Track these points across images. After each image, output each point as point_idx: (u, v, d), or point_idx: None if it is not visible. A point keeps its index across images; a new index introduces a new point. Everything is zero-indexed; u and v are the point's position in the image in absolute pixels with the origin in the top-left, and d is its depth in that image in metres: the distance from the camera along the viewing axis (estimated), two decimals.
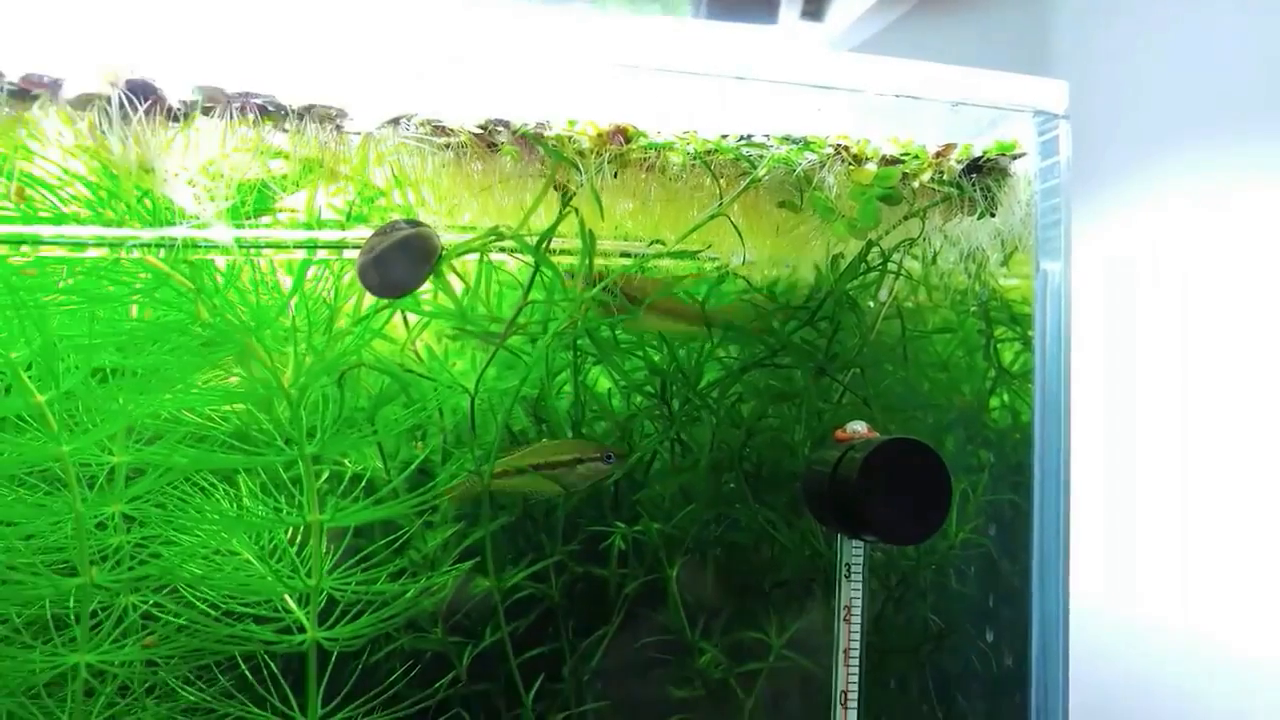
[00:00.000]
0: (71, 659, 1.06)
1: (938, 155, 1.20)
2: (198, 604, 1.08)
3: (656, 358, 1.21)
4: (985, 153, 1.21)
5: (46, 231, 1.04)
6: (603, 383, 1.29)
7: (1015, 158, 1.21)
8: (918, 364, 1.32)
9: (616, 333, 1.22)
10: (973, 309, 1.33)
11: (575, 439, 1.21)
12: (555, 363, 1.23)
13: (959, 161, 1.20)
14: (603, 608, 1.21)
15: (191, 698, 1.08)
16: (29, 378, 1.04)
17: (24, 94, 0.99)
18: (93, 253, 1.06)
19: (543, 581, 1.20)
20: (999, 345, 1.35)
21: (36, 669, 1.05)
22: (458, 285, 1.11)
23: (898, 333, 1.28)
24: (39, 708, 1.06)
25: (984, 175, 1.20)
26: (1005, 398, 1.36)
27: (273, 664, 1.10)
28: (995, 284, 1.32)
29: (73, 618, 1.07)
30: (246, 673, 1.10)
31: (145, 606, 1.10)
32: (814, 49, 1.89)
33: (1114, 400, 1.54)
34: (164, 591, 1.09)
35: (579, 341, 1.21)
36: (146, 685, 1.11)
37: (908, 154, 1.18)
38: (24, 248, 1.03)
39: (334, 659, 1.11)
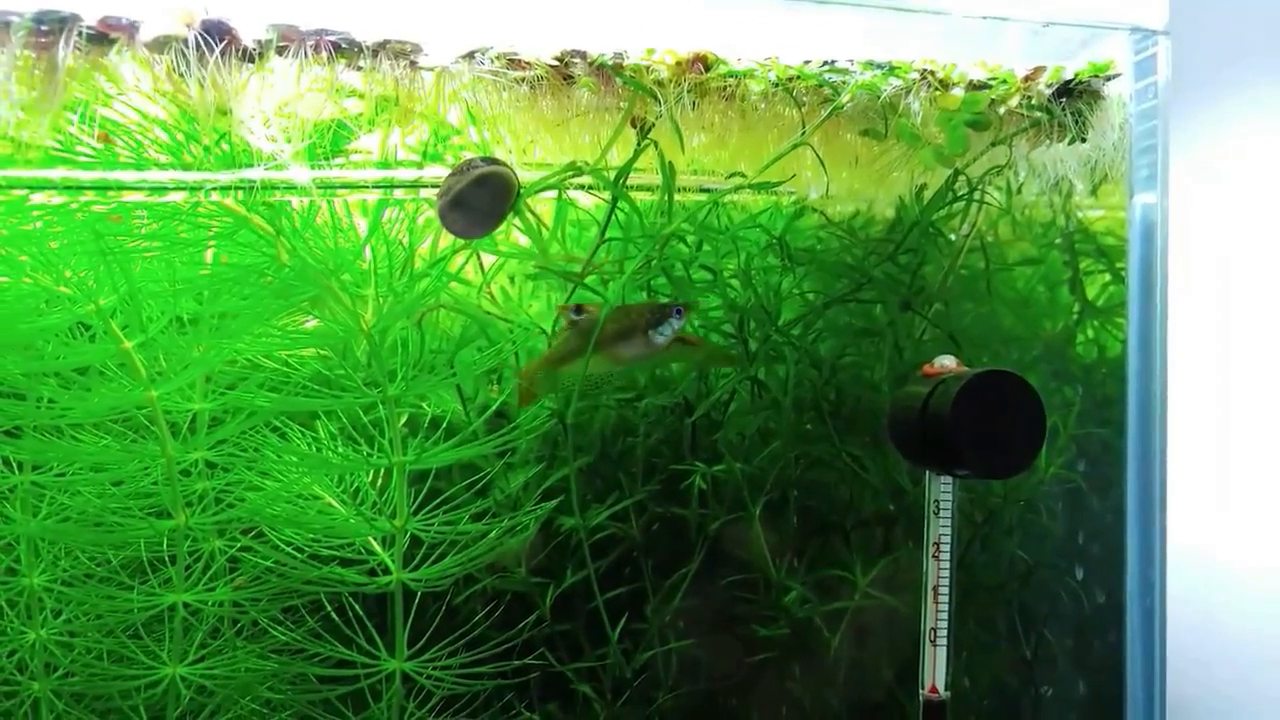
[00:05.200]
0: (169, 598, 1.08)
1: (1026, 79, 1.15)
2: (284, 548, 1.09)
3: (733, 295, 1.19)
4: (1077, 75, 1.16)
5: (128, 177, 1.04)
6: None
7: (1109, 79, 1.15)
8: (1000, 298, 1.28)
9: (691, 272, 1.20)
10: (1057, 241, 1.28)
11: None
12: (630, 303, 1.21)
13: (1049, 85, 1.15)
14: (683, 547, 1.21)
15: (282, 637, 1.10)
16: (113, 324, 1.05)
17: (102, 38, 0.99)
18: (172, 197, 1.06)
19: (623, 522, 1.19)
20: (1086, 277, 1.30)
21: (135, 608, 1.08)
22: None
23: (978, 266, 1.25)
24: (140, 646, 1.08)
25: (1075, 99, 1.15)
26: (1090, 332, 1.32)
27: (356, 605, 1.11)
28: (1083, 215, 1.27)
29: (166, 560, 1.10)
30: (331, 614, 1.11)
31: (233, 550, 1.12)
32: None
33: (1206, 339, 1.49)
34: (251, 534, 1.11)
35: (653, 281, 1.19)
36: (238, 626, 1.13)
37: (995, 78, 1.13)
38: (109, 193, 1.04)
39: (417, 600, 1.12)
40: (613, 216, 1.09)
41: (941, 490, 1.08)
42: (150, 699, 1.10)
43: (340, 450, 1.14)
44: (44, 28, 0.96)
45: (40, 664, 1.09)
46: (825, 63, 1.09)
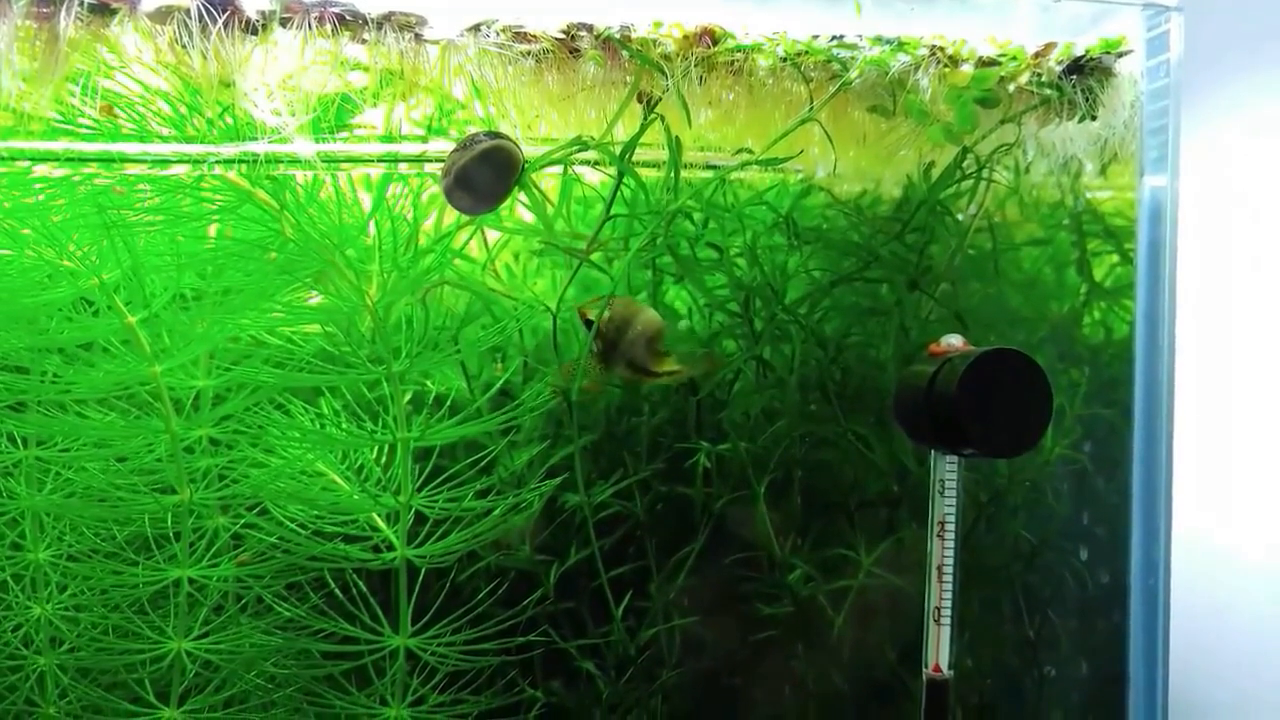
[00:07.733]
0: (174, 573, 1.09)
1: (1037, 55, 1.13)
2: (287, 524, 1.09)
3: (739, 274, 1.19)
4: (1088, 51, 1.14)
5: (131, 149, 1.03)
6: (679, 305, 1.27)
7: (1120, 55, 1.14)
8: (1007, 279, 1.27)
9: (696, 250, 1.19)
10: (1065, 221, 1.27)
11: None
12: (634, 282, 1.21)
13: (1059, 62, 1.14)
14: (688, 525, 1.21)
15: (286, 613, 1.10)
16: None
17: (104, 8, 0.98)
18: (175, 171, 1.06)
19: (627, 500, 1.19)
20: (1093, 258, 1.30)
21: (140, 583, 1.08)
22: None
23: (985, 246, 1.24)
24: (145, 621, 1.08)
25: (1085, 76, 1.14)
26: (1097, 314, 1.31)
27: (360, 581, 1.12)
28: (1092, 195, 1.26)
29: (171, 536, 1.10)
30: (336, 590, 1.11)
31: (236, 527, 1.12)
32: None
33: (1210, 322, 1.48)
34: (255, 511, 1.11)
35: (658, 259, 1.19)
36: (241, 602, 1.13)
37: (1005, 55, 1.12)
38: (112, 166, 1.03)
39: (421, 577, 1.12)
40: (618, 193, 1.08)
41: (947, 469, 1.08)
42: (155, 673, 1.10)
43: (344, 426, 1.14)
44: None
45: (46, 638, 1.09)
46: (834, 38, 1.08)
